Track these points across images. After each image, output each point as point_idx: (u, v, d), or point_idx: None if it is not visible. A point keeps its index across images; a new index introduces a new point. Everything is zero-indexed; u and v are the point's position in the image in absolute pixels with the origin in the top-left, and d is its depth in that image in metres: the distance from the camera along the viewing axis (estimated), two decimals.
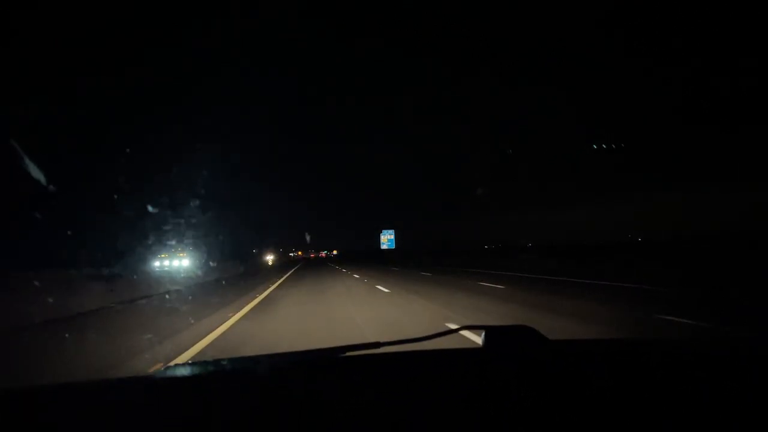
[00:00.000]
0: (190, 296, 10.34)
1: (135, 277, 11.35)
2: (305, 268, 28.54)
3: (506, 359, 0.88)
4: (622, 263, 14.80)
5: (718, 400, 0.69)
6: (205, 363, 1.13)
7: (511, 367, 0.85)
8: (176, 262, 20.48)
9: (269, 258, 44.48)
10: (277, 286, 12.03)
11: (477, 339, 0.94)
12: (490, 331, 0.93)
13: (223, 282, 15.36)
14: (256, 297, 8.96)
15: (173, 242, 18.84)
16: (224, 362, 1.01)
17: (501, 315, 5.55)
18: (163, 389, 0.87)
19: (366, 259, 48.72)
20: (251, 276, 18.84)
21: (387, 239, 74.13)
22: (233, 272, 20.01)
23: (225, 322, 5.59)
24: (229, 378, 0.93)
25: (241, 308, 7.07)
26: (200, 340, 4.45)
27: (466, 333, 0.99)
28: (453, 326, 0.94)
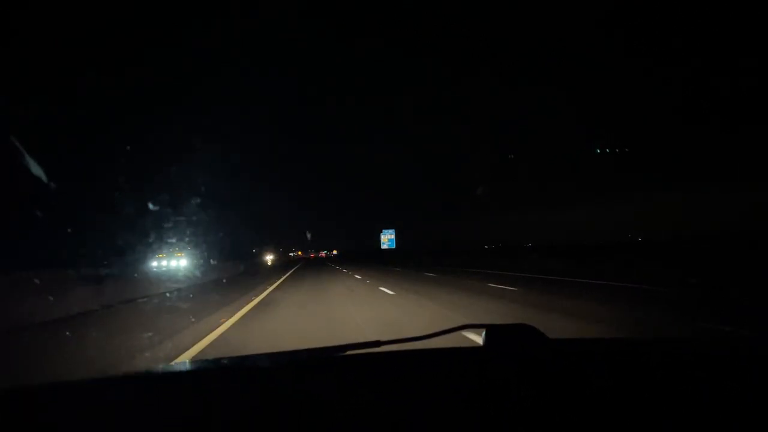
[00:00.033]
0: (184, 298, 9.88)
1: (129, 277, 11.10)
2: (305, 268, 28.11)
3: (506, 358, 0.88)
4: (630, 264, 14.35)
5: (718, 400, 0.69)
6: (205, 362, 1.13)
7: (512, 366, 0.85)
8: (174, 262, 20.32)
9: (269, 258, 44.07)
10: (276, 287, 11.67)
11: (477, 338, 0.94)
12: (491, 330, 0.93)
13: (224, 281, 15.28)
14: (252, 299, 8.44)
15: (173, 241, 18.81)
16: (224, 361, 1.01)
17: (527, 322, 5.20)
18: (162, 387, 0.87)
19: (366, 259, 48.33)
20: (251, 276, 18.68)
21: (387, 239, 73.93)
22: (232, 272, 19.79)
23: (217, 328, 5.11)
24: (229, 377, 0.93)
25: (239, 310, 6.77)
26: (187, 350, 4.07)
27: (466, 332, 0.99)
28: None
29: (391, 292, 8.97)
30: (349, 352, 0.94)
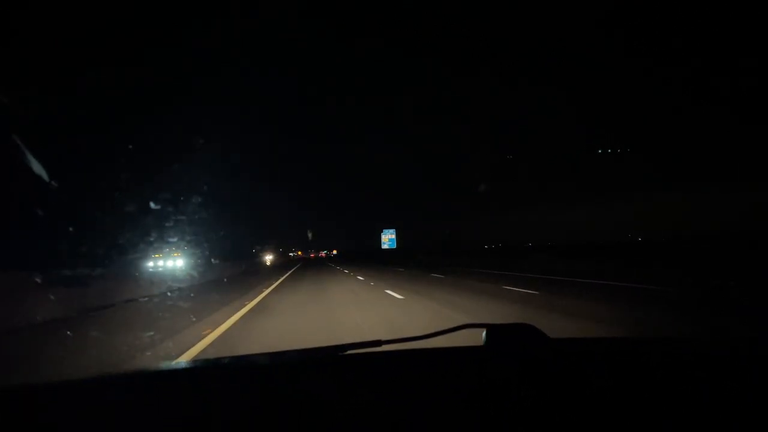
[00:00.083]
0: (179, 300, 9.04)
1: (124, 277, 10.55)
2: (305, 268, 27.64)
3: (507, 358, 0.88)
4: (639, 264, 13.77)
5: (718, 400, 0.69)
6: (206, 361, 1.14)
7: (512, 366, 0.85)
8: (170, 263, 20.00)
9: (268, 258, 43.73)
10: (274, 289, 11.05)
11: (478, 337, 0.94)
12: (492, 330, 0.93)
13: (225, 280, 15.18)
14: (245, 305, 7.48)
15: (173, 240, 18.73)
16: (225, 360, 1.01)
17: (571, 334, 4.32)
18: (163, 387, 0.87)
19: (366, 259, 47.96)
20: (252, 275, 18.53)
21: (388, 239, 73.69)
22: (231, 272, 19.42)
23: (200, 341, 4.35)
24: (229, 377, 0.93)
25: (234, 314, 6.19)
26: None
27: (467, 331, 0.99)
28: None
29: (399, 296, 8.06)
30: (349, 352, 0.94)
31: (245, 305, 7.38)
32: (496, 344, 0.91)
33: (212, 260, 20.39)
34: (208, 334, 4.76)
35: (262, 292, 10.04)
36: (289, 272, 21.23)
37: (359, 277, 14.72)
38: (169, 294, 10.21)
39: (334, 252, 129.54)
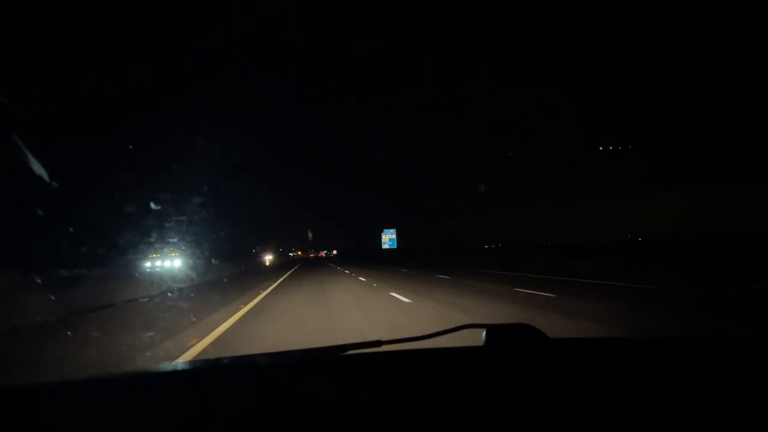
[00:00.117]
0: (173, 302, 8.63)
1: (119, 278, 10.36)
2: (305, 268, 27.15)
3: (507, 358, 0.88)
4: (640, 264, 13.48)
5: (718, 400, 0.69)
6: (206, 361, 1.14)
7: (512, 366, 0.85)
8: (168, 263, 19.86)
9: (267, 258, 43.29)
10: (273, 290, 10.56)
11: (478, 338, 0.94)
12: (491, 330, 0.93)
13: (225, 280, 14.94)
14: (239, 308, 6.88)
15: (172, 240, 18.66)
16: (225, 361, 1.01)
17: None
18: (163, 387, 0.87)
19: (366, 259, 47.66)
20: (251, 276, 18.33)
21: (388, 239, 73.36)
22: (231, 273, 18.99)
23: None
24: (229, 377, 0.93)
25: (230, 316, 5.88)
26: None
27: (466, 332, 0.99)
28: None
29: (406, 300, 7.43)
30: (349, 352, 0.94)
31: (240, 309, 6.81)
32: (496, 344, 0.91)
33: (212, 261, 20.33)
34: (207, 334, 4.72)
35: (259, 294, 9.46)
36: (289, 272, 20.80)
37: (361, 278, 14.09)
38: (169, 294, 10.11)
39: (334, 252, 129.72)
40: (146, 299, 8.73)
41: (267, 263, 38.03)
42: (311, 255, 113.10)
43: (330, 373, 0.91)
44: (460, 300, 7.29)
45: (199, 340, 4.37)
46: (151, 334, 4.71)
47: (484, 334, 0.93)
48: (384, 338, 0.97)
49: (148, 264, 19.11)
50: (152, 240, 16.37)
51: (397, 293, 8.51)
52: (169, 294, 10.20)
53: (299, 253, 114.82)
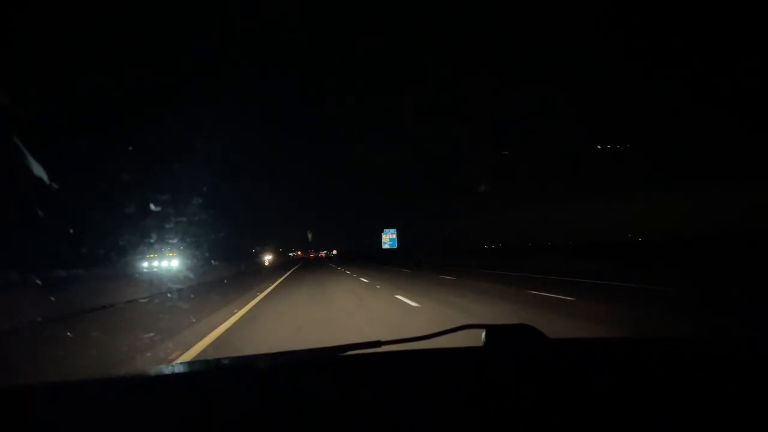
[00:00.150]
0: (171, 305, 8.21)
1: (114, 278, 10.12)
2: (305, 268, 26.80)
3: (507, 358, 0.88)
4: (641, 263, 13.26)
5: (718, 400, 0.69)
6: (206, 362, 1.14)
7: (512, 366, 0.85)
8: (165, 263, 19.70)
9: (267, 258, 42.93)
10: (272, 291, 10.19)
11: (478, 338, 0.94)
12: (491, 330, 0.93)
13: (225, 281, 14.85)
14: (233, 312, 6.35)
15: (172, 241, 18.58)
16: (225, 361, 1.01)
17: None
18: (162, 388, 0.87)
19: (367, 259, 47.37)
20: (250, 276, 18.21)
21: (389, 238, 73.03)
22: (229, 273, 18.59)
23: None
24: (229, 377, 0.93)
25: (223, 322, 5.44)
26: None
27: (466, 332, 0.99)
28: None
29: (413, 303, 6.80)
30: (349, 352, 0.94)
31: (233, 313, 6.32)
32: (495, 345, 0.91)
33: (212, 261, 20.28)
34: (205, 336, 4.67)
35: (256, 296, 8.95)
36: (288, 273, 20.44)
37: (363, 279, 13.58)
38: (169, 295, 10.11)
39: (334, 252, 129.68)
40: (145, 299, 8.66)
41: (266, 263, 37.62)
42: (311, 255, 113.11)
43: (330, 374, 0.91)
44: (472, 305, 6.62)
45: (183, 352, 4.02)
46: (151, 335, 4.71)
47: (483, 334, 0.93)
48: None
49: (145, 264, 18.95)
50: (152, 241, 16.35)
51: (402, 296, 7.94)
52: (169, 295, 10.17)
53: (299, 253, 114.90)
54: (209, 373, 1.00)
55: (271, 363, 1.03)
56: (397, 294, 8.33)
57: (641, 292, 7.67)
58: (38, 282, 7.47)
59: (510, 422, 0.65)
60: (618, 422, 0.64)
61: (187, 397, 0.81)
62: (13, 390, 0.84)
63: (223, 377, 0.93)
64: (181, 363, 3.34)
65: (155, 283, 10.56)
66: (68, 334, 5.12)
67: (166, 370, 1.15)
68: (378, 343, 0.95)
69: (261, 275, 19.11)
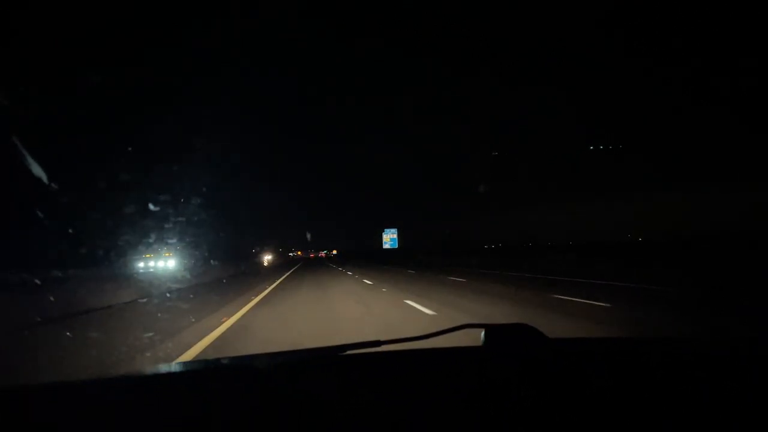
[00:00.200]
0: (170, 305, 7.92)
1: (110, 279, 9.96)
2: (304, 268, 26.30)
3: (506, 358, 0.88)
4: (640, 264, 13.08)
5: (718, 400, 0.69)
6: (205, 362, 1.13)
7: (511, 366, 0.85)
8: (161, 263, 19.51)
9: (266, 258, 42.39)
10: (269, 294, 9.58)
11: (477, 338, 0.94)
12: (491, 330, 0.93)
13: (224, 280, 14.77)
14: (222, 322, 5.49)
15: (171, 241, 18.49)
16: (224, 361, 1.01)
17: None
18: (162, 387, 0.87)
19: (367, 259, 47.06)
20: (249, 276, 18.08)
21: (390, 238, 72.61)
22: (228, 274, 18.21)
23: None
24: (229, 377, 0.93)
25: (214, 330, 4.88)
26: None
27: (466, 331, 0.99)
28: None
29: (428, 311, 5.92)
30: (349, 352, 0.94)
31: (222, 323, 5.53)
32: (494, 344, 0.91)
33: (211, 261, 20.24)
34: (204, 336, 4.61)
35: (250, 300, 8.24)
36: (287, 273, 19.89)
37: (366, 281, 12.64)
38: (168, 295, 10.09)
39: (334, 252, 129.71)
40: (144, 300, 8.61)
41: (266, 264, 37.37)
42: (311, 255, 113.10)
43: (330, 373, 0.91)
44: (491, 310, 5.91)
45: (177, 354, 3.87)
46: (150, 334, 4.70)
47: (483, 334, 0.92)
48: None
49: (141, 264, 18.72)
50: (151, 241, 16.34)
51: (413, 301, 7.03)
52: (168, 294, 10.13)
53: (299, 253, 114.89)
54: (209, 372, 1.00)
55: (270, 363, 1.03)
56: (406, 299, 7.42)
57: (641, 292, 7.68)
58: (37, 282, 7.48)
59: (510, 422, 0.65)
60: (618, 422, 0.64)
61: (187, 397, 0.81)
62: (13, 390, 0.84)
63: (223, 377, 0.93)
64: (180, 362, 3.34)
65: (154, 284, 10.52)
66: (67, 334, 5.13)
67: (166, 370, 1.15)
68: (377, 343, 0.95)
69: (261, 275, 18.83)
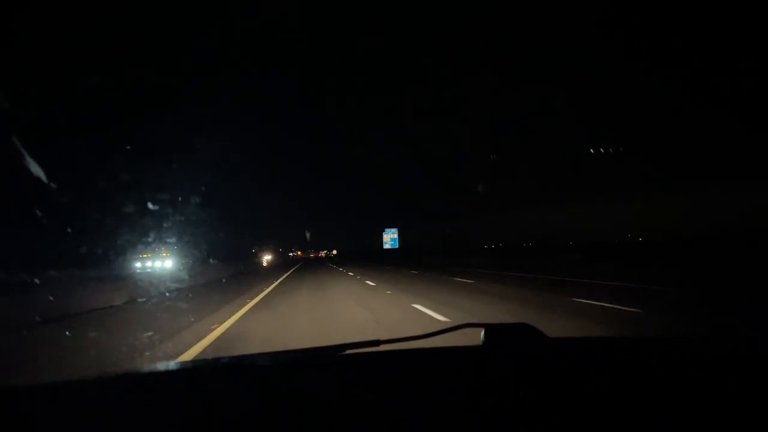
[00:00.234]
0: (170, 304, 7.80)
1: (106, 279, 9.88)
2: (304, 269, 26.00)
3: (506, 357, 0.88)
4: (641, 264, 12.97)
5: (718, 400, 0.69)
6: (205, 361, 1.13)
7: (511, 366, 0.85)
8: (159, 263, 19.24)
9: (266, 258, 41.75)
10: (267, 295, 9.26)
11: (477, 337, 0.93)
12: (490, 329, 0.92)
13: (223, 280, 14.70)
14: (211, 329, 5.04)
15: (170, 241, 18.41)
16: (224, 360, 1.01)
17: None
18: (162, 387, 0.87)
19: (367, 259, 46.93)
20: (248, 276, 18.00)
21: (390, 238, 72.35)
22: (227, 274, 17.88)
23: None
24: (229, 376, 0.93)
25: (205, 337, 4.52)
26: None
27: (465, 331, 0.99)
28: None
29: (439, 317, 5.47)
30: (348, 352, 0.94)
31: (211, 330, 5.05)
32: (494, 344, 0.91)
33: (210, 261, 20.18)
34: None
35: (246, 303, 7.75)
36: (287, 274, 19.46)
37: (368, 282, 12.10)
38: (167, 294, 10.08)
39: (334, 252, 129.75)
40: (143, 299, 8.60)
41: (265, 264, 36.94)
42: (311, 255, 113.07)
43: (329, 373, 0.91)
44: (508, 316, 5.43)
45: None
46: (149, 333, 4.70)
47: (482, 333, 0.92)
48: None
49: (138, 264, 18.51)
50: (150, 240, 16.32)
51: (421, 305, 6.52)
52: (167, 294, 10.15)
53: (299, 253, 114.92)
54: (209, 372, 1.00)
55: (270, 362, 1.03)
56: (414, 303, 6.87)
57: (641, 292, 7.69)
58: (37, 282, 7.49)
59: (509, 422, 0.65)
60: (618, 422, 0.64)
61: (187, 396, 0.81)
62: (13, 390, 0.84)
63: (223, 377, 0.93)
64: (180, 362, 3.34)
65: (153, 283, 10.48)
66: (67, 333, 5.13)
67: (166, 369, 1.15)
68: (377, 342, 0.95)
69: (259, 275, 18.62)
